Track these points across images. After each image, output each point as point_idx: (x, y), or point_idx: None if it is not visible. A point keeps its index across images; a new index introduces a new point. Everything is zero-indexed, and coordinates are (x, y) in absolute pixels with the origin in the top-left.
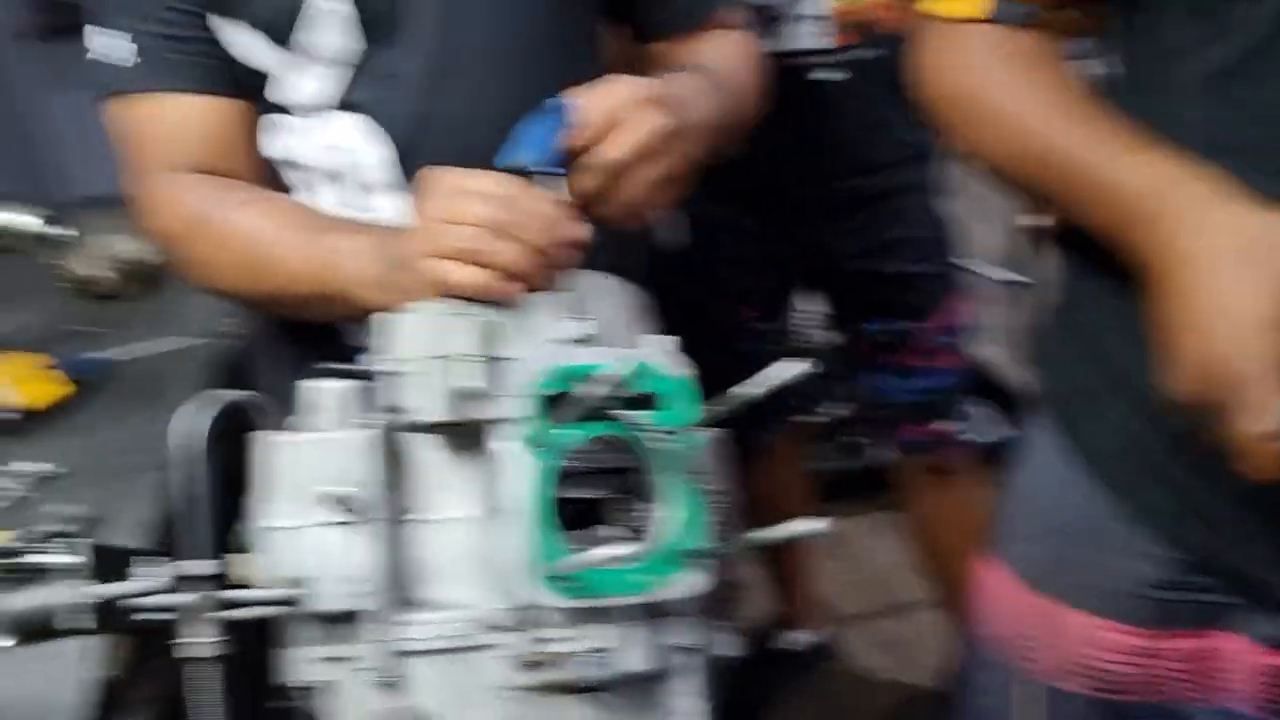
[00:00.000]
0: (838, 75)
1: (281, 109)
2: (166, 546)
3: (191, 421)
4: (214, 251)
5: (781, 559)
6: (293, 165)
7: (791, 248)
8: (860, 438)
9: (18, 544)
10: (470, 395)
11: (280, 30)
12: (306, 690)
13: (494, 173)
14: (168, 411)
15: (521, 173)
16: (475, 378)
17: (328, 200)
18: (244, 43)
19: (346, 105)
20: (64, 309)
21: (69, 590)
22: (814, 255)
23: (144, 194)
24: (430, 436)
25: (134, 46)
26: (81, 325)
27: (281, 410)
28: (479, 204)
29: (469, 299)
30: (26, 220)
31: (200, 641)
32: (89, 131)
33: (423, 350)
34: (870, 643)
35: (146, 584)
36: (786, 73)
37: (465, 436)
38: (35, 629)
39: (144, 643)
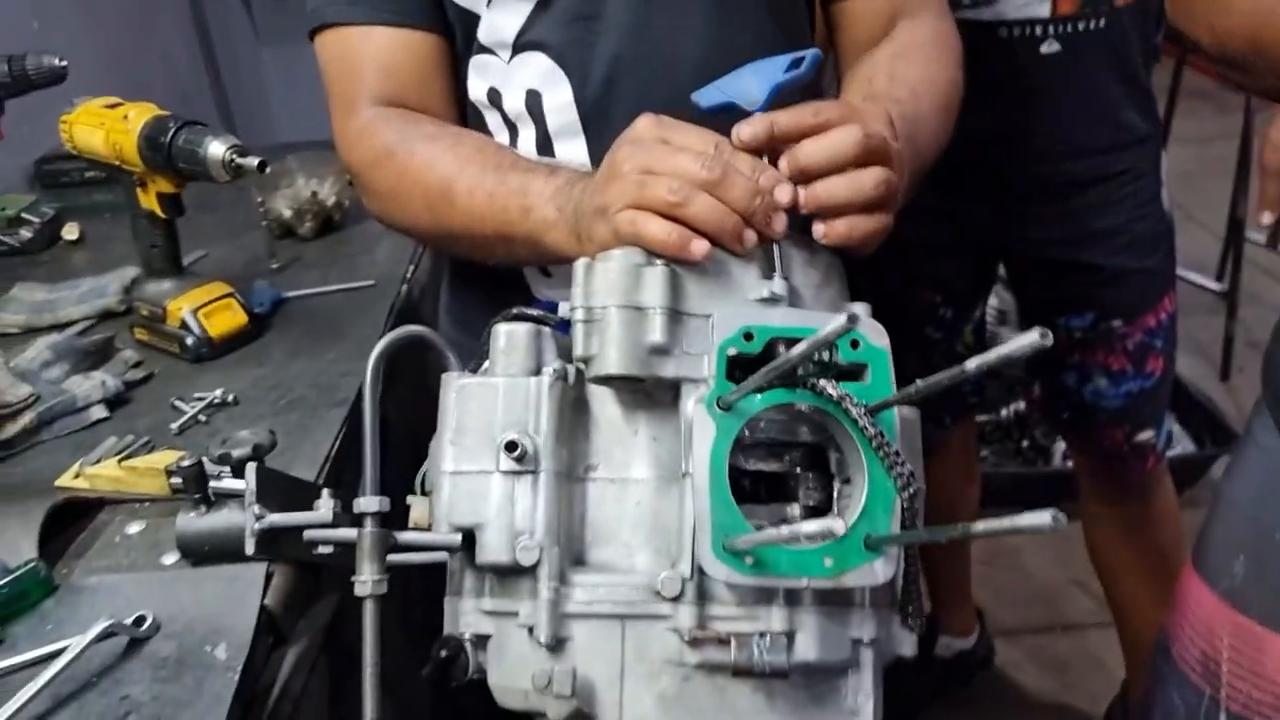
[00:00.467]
0: (1054, 47)
1: (487, 49)
2: (339, 482)
3: (375, 358)
4: (396, 184)
5: (940, 561)
6: (493, 107)
7: (990, 233)
8: (1039, 440)
9: (195, 466)
10: (657, 350)
11: None
12: (469, 641)
13: (700, 126)
14: (344, 349)
15: (728, 111)
16: (663, 333)
17: (525, 144)
18: None
19: (540, 46)
20: (256, 244)
21: (242, 516)
22: (1014, 242)
23: (339, 126)
24: (612, 390)
25: None
26: (269, 260)
27: (463, 358)
28: (683, 156)
29: (661, 254)
30: (229, 155)
31: (367, 579)
32: (294, 81)
33: (612, 300)
34: (1032, 660)
35: (318, 516)
36: (997, 43)
37: (648, 393)
38: (208, 551)
39: (312, 572)
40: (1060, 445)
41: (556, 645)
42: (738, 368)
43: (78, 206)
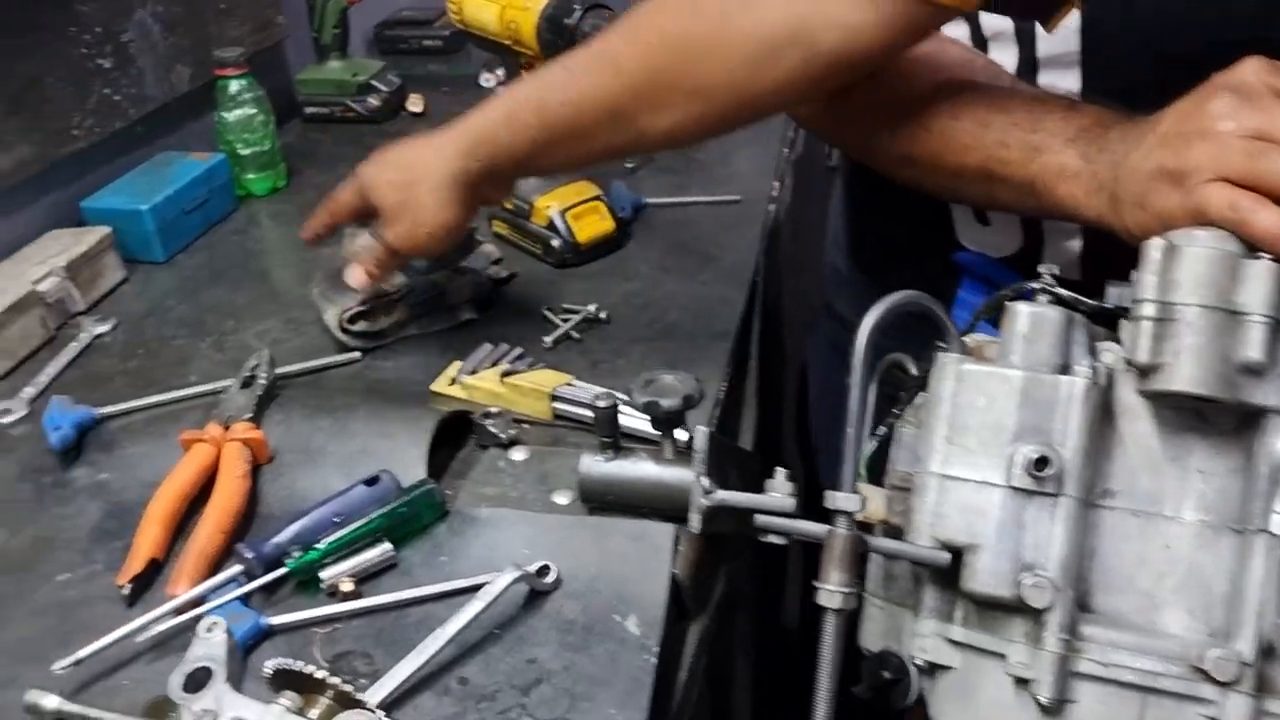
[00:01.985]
0: None
1: None
2: (721, 431)
3: (868, 329)
4: None
5: None
6: (963, 18)
7: None
8: None
9: (611, 408)
10: (1249, 369)
11: None
12: (918, 665)
13: None
14: (716, 272)
15: None
16: (1261, 348)
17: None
18: None
19: None
20: None
21: (652, 467)
22: None
23: None
24: (1151, 405)
25: None
26: (631, 163)
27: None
28: None
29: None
30: None
31: (835, 590)
32: None
33: (1198, 298)
34: None
35: (779, 503)
36: None
37: (1201, 414)
38: (611, 500)
39: (716, 540)
40: None
41: (1056, 708)
42: None
43: (413, 76)
